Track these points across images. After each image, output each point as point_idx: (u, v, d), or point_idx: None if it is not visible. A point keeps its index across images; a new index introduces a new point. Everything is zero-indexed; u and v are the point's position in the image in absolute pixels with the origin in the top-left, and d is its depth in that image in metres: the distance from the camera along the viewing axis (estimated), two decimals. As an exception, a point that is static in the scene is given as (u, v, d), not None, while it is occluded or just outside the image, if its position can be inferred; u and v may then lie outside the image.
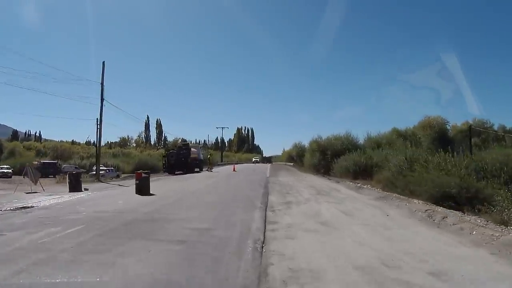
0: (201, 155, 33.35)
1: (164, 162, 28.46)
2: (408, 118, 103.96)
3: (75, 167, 30.78)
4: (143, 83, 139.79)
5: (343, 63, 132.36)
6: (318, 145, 29.44)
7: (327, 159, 27.61)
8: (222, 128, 74.38)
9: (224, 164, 52.19)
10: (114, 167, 32.53)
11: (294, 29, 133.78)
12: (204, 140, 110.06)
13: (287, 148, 78.50)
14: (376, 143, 25.82)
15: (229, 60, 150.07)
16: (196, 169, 30.09)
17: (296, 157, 46.73)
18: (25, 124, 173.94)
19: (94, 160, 45.89)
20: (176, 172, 26.77)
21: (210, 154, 32.59)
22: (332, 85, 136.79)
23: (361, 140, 28.72)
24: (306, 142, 49.48)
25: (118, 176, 27.90)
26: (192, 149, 30.14)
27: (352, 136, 27.94)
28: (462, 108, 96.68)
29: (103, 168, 29.27)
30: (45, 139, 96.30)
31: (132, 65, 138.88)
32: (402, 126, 31.54)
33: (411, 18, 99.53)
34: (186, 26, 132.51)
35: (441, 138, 27.62)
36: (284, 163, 51.07)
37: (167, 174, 26.84)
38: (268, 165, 49.43)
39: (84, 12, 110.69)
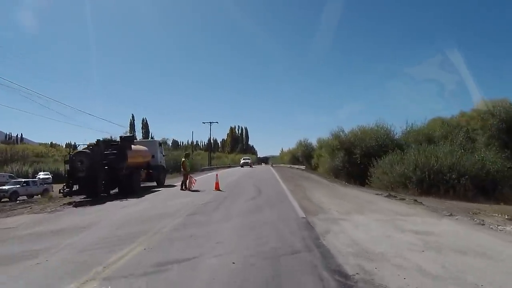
0: (161, 158, 17.51)
1: (66, 175, 12.62)
2: (413, 113, 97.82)
3: (9, 176, 22.53)
4: (131, 82, 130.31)
5: (342, 61, 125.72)
6: (340, 141, 21.79)
7: (355, 160, 20.04)
8: (210, 123, 52.33)
9: (212, 169, 39.54)
10: (36, 178, 22.44)
11: (291, 27, 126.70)
12: (197, 141, 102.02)
13: (286, 148, 71.01)
14: (427, 138, 18.30)
15: (222, 59, 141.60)
16: (151, 184, 16.02)
17: (302, 158, 39.02)
18: (11, 126, 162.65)
19: (50, 166, 37.25)
20: (103, 194, 12.02)
21: (185, 156, 15.48)
22: (331, 83, 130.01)
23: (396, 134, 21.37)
24: (312, 140, 41.91)
25: (46, 193, 17.39)
26: (134, 147, 14.22)
27: (389, 128, 20.35)
28: (466, 99, 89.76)
29: (18, 180, 20.34)
30: (25, 141, 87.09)
31: (119, 64, 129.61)
32: (403, 121, 22.77)
33: (409, 12, 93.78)
34: (178, 26, 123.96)
35: (508, 128, 20.03)
36: (288, 165, 41.92)
37: (85, 200, 11.46)
38: (271, 168, 37.44)
39: (76, 10, 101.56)
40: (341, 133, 22.46)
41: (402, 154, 15.39)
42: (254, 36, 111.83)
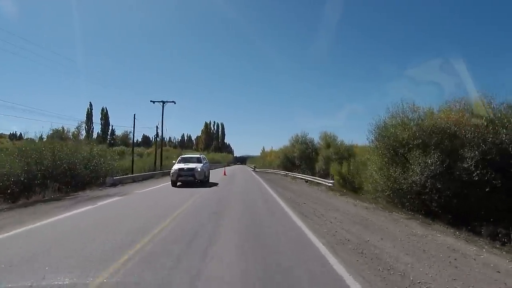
0: None
1: None
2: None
3: None
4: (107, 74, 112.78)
5: (340, 62, 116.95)
6: (415, 131, 10.46)
7: (465, 173, 8.82)
8: (163, 103, 30.38)
9: (152, 176, 23.25)
10: None
11: (288, 25, 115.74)
12: (169, 137, 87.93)
13: (268, 148, 59.70)
14: None
15: (208, 56, 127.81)
16: None
17: (300, 161, 27.56)
18: None
19: None
20: None
21: None
22: (328, 85, 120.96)
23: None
24: (314, 136, 30.70)
25: None
26: None
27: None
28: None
29: None
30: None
31: (93, 60, 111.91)
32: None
33: (409, 13, 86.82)
34: (158, 20, 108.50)
35: None
36: (283, 172, 28.04)
37: None
38: (266, 187, 15.94)
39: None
40: (411, 114, 11.09)
41: None
42: (252, 35, 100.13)
